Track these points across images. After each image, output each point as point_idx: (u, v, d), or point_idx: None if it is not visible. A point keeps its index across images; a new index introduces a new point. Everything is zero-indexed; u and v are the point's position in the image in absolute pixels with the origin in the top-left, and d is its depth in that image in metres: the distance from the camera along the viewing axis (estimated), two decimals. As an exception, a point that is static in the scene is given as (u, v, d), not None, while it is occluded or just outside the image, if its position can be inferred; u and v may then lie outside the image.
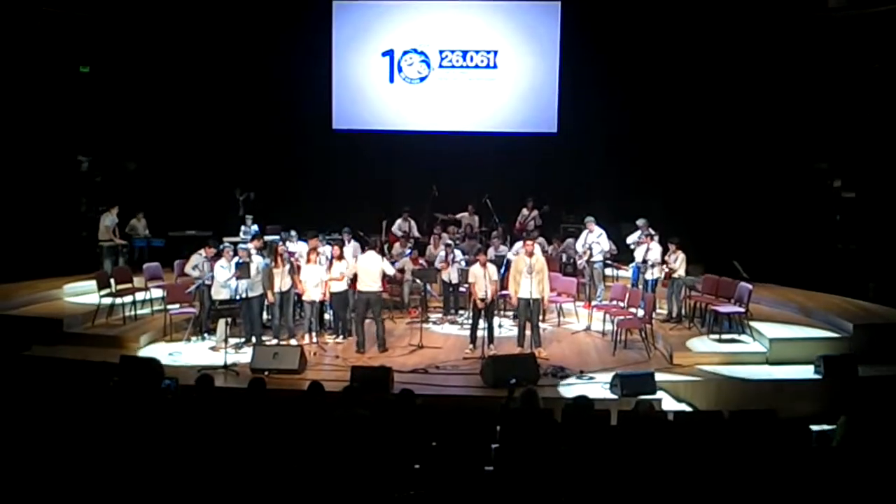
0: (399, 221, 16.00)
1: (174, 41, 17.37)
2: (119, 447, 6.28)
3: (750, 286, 12.47)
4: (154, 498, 5.56)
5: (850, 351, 11.13)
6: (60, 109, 16.36)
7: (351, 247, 13.38)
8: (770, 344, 11.49)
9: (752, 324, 12.22)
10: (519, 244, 13.72)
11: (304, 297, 12.06)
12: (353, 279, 12.09)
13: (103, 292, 12.67)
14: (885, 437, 7.22)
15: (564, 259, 14.78)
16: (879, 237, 15.29)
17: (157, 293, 13.20)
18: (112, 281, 12.95)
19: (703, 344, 11.95)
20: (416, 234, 15.93)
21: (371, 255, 12.06)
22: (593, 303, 13.72)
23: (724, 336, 12.13)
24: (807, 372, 10.77)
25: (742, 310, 12.23)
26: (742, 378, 10.77)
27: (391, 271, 12.59)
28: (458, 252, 13.89)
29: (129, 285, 13.05)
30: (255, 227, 15.57)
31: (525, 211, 16.83)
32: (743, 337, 12.14)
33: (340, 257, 12.20)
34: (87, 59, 16.82)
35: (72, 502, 5.50)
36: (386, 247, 14.73)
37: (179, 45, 17.42)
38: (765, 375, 10.88)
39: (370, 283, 11.85)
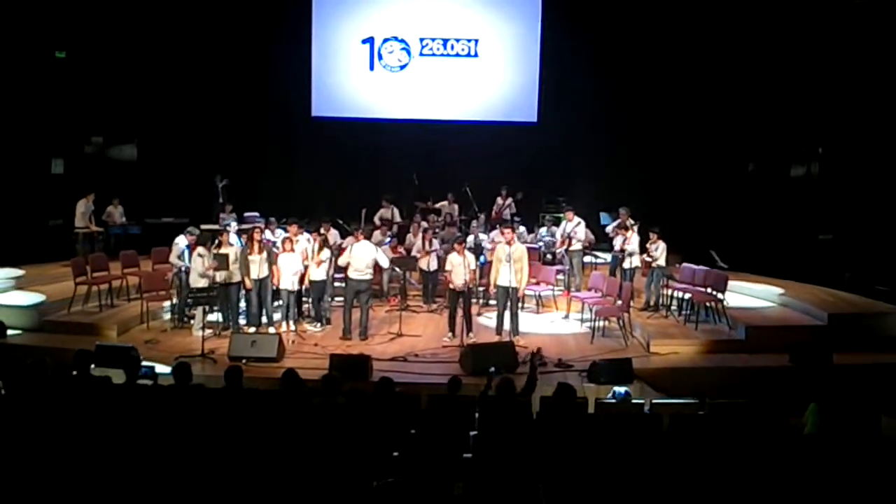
0: (381, 210, 15.98)
1: (152, 27, 17.20)
2: (92, 436, 6.24)
3: (727, 275, 12.57)
4: (131, 487, 5.54)
5: (825, 339, 11.25)
6: (36, 95, 16.17)
7: (331, 235, 13.36)
8: (746, 332, 11.60)
9: (729, 312, 12.31)
10: (495, 232, 13.78)
11: (280, 286, 12.01)
12: (345, 267, 12.06)
13: (79, 279, 12.55)
14: (858, 423, 7.32)
15: (543, 248, 14.81)
16: (855, 228, 15.45)
17: (134, 280, 13.10)
18: (88, 268, 12.85)
19: (679, 332, 12.04)
20: (399, 219, 15.92)
21: (365, 244, 12.05)
22: (572, 291, 13.77)
23: (701, 324, 12.22)
24: (782, 360, 10.87)
25: (719, 298, 12.32)
26: (718, 366, 10.87)
27: (385, 263, 12.56)
28: (435, 241, 13.90)
29: (105, 273, 12.94)
30: (234, 214, 15.48)
31: (500, 199, 16.85)
32: (720, 325, 12.23)
33: (325, 245, 12.20)
34: (63, 45, 16.63)
35: (50, 492, 5.47)
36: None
37: (157, 31, 17.25)
38: (741, 363, 10.99)
39: (361, 271, 11.83)
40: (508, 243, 11.72)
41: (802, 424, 7.46)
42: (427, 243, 13.78)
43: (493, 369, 8.51)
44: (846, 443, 6.76)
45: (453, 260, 11.80)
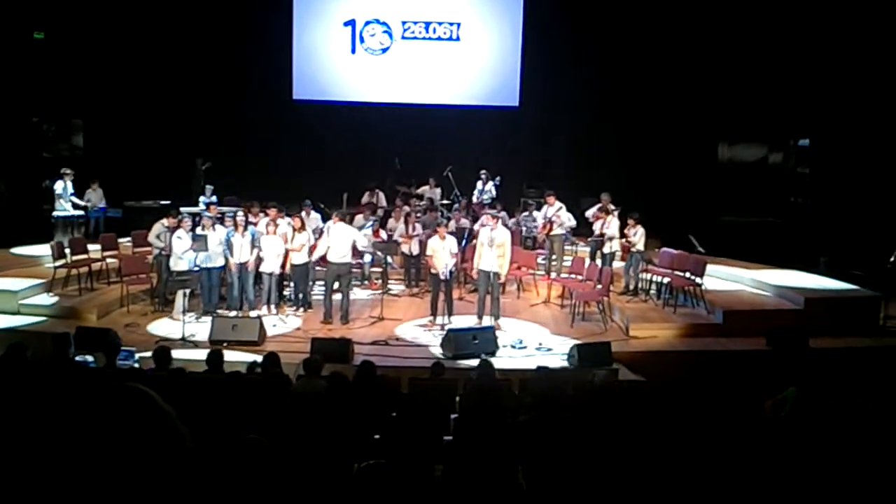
0: (366, 196, 15.94)
1: (131, 7, 17.02)
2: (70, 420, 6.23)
3: (705, 259, 12.67)
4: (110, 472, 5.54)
5: (801, 323, 11.37)
6: (14, 76, 15.99)
7: (311, 219, 13.34)
8: (724, 316, 11.70)
9: (707, 297, 12.42)
10: (484, 218, 13.80)
11: (261, 269, 12.00)
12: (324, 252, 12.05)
13: (58, 263, 12.46)
14: (834, 407, 7.41)
15: (524, 232, 14.85)
16: (831, 212, 15.59)
17: (114, 264, 13.02)
18: (68, 251, 12.76)
19: (658, 316, 12.14)
20: (385, 204, 15.87)
21: (342, 226, 12.01)
22: (552, 276, 13.83)
23: (679, 308, 12.32)
24: (760, 343, 10.99)
25: (698, 282, 12.42)
26: (696, 350, 10.97)
27: (363, 243, 12.55)
28: (418, 226, 13.92)
29: (84, 256, 12.85)
30: (214, 198, 15.39)
31: (479, 184, 16.84)
32: (698, 309, 12.33)
33: (302, 228, 12.16)
34: (41, 26, 16.43)
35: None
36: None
37: (136, 11, 17.07)
38: (719, 347, 11.10)
39: (341, 254, 11.82)
40: (491, 228, 11.75)
41: (781, 400, 7.52)
42: (410, 227, 13.79)
43: (482, 355, 8.57)
44: (821, 425, 6.85)
45: (433, 245, 11.82)
